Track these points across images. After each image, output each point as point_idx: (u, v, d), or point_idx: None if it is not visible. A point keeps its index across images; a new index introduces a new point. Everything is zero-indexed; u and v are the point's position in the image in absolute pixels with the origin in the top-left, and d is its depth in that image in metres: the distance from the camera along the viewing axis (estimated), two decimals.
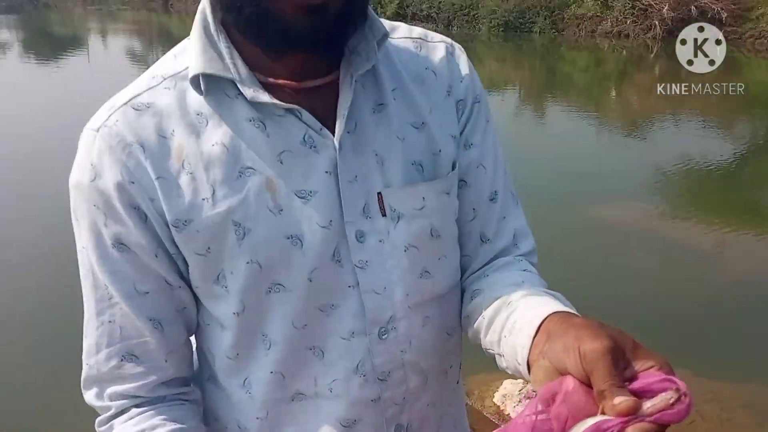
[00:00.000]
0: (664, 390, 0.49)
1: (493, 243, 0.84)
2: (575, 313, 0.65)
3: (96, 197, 0.71)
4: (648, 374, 0.51)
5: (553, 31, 18.23)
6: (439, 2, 20.47)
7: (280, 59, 0.70)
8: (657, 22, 16.61)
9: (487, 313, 0.75)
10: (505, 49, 17.36)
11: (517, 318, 0.68)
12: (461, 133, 0.81)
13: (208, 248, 0.72)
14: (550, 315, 0.63)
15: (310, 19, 0.64)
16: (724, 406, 2.83)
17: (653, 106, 10.57)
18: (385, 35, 0.74)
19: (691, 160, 6.96)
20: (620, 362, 0.51)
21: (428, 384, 0.83)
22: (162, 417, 0.77)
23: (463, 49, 0.84)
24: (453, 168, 0.79)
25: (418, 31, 0.83)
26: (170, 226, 0.71)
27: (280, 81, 0.71)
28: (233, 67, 0.70)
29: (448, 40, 0.84)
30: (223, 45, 0.71)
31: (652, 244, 4.80)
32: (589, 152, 7.45)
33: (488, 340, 0.74)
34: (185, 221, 0.70)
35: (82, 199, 0.72)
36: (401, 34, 0.82)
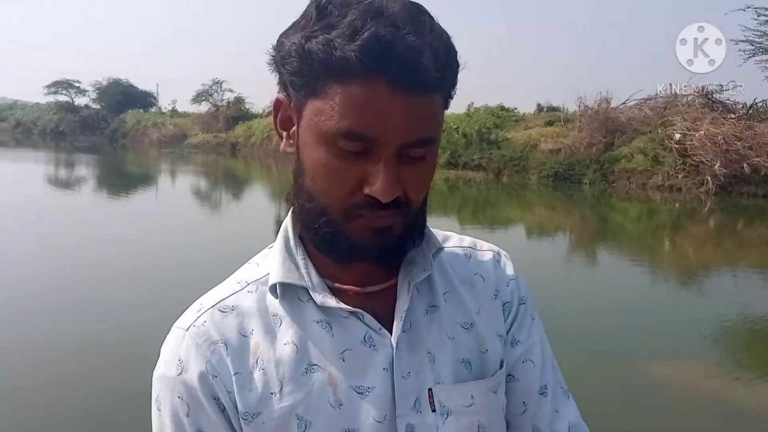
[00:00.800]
0: None
1: None
2: None
3: (181, 389, 0.78)
4: None
5: (603, 182, 18.52)
6: (490, 153, 21.28)
7: (347, 268, 0.80)
8: (709, 178, 16.70)
9: None
10: (555, 198, 17.64)
11: None
12: (508, 332, 0.88)
13: None
14: None
15: (376, 238, 0.74)
16: None
17: (709, 258, 10.36)
18: (440, 249, 0.84)
19: (752, 314, 6.69)
20: None
21: None
22: None
23: (508, 255, 0.93)
24: (501, 366, 0.85)
25: (468, 240, 0.93)
26: (240, 417, 0.77)
27: (346, 286, 0.81)
28: (307, 276, 0.80)
29: (495, 248, 0.93)
30: (299, 257, 0.81)
31: (712, 407, 4.48)
32: (643, 303, 7.18)
33: None
34: (254, 414, 0.76)
35: (167, 390, 0.79)
36: (453, 243, 0.91)
